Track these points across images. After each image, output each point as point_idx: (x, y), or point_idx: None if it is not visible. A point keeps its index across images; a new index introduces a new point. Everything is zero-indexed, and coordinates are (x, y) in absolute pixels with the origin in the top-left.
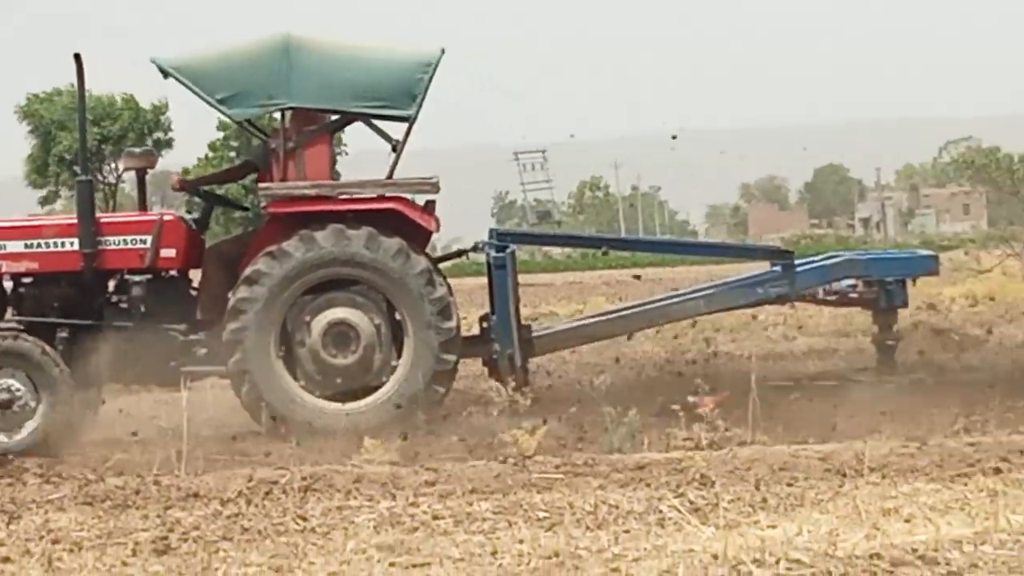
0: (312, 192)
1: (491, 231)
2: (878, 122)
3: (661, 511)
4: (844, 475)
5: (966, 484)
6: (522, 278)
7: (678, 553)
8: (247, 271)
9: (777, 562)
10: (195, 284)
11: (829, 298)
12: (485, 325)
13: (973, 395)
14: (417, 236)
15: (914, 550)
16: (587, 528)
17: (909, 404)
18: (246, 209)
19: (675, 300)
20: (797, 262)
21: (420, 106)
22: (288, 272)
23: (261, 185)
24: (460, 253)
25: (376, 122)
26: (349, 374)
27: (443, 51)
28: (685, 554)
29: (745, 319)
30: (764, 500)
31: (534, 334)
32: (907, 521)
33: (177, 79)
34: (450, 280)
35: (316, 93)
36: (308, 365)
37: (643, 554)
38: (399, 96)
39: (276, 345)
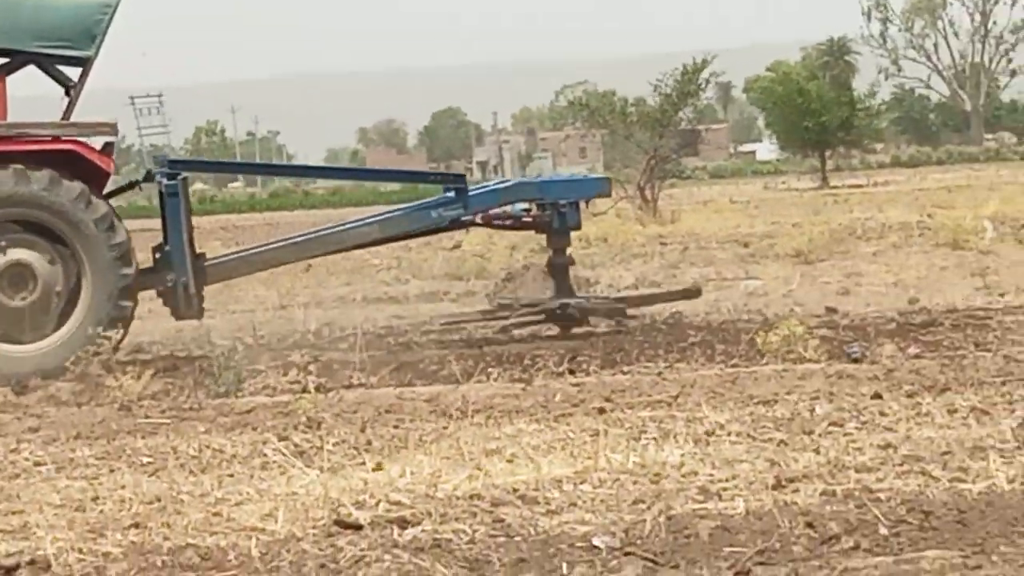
0: None
1: (162, 159)
2: (495, 67)
3: (266, 455)
4: (450, 417)
5: (569, 424)
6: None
7: (280, 496)
8: None
9: (377, 504)
10: None
11: (505, 222)
12: (158, 256)
13: (579, 336)
14: (96, 178)
15: (515, 490)
16: (190, 472)
17: (516, 346)
18: None
19: (349, 226)
20: (471, 187)
21: (99, 47)
22: None
23: None
24: (133, 184)
25: (52, 64)
26: (25, 316)
27: None
28: (287, 497)
29: (360, 262)
30: (369, 442)
31: (208, 262)
32: (509, 461)
33: None
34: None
35: None
36: None
37: (245, 498)
38: (78, 36)
39: None
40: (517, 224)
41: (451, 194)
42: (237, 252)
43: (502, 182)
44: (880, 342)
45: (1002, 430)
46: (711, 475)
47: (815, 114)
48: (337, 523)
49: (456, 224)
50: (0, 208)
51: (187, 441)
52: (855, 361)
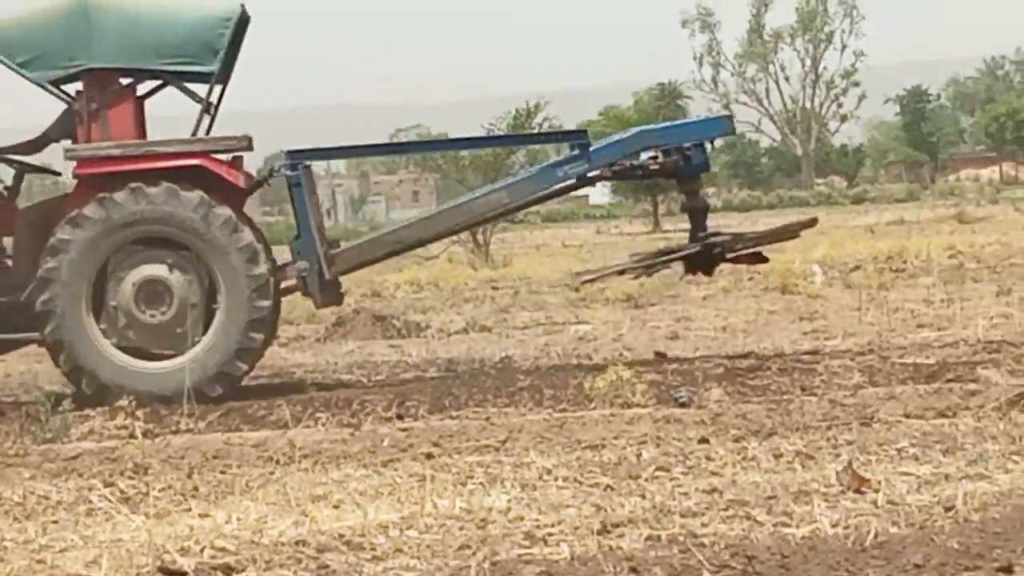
0: (117, 152)
1: (287, 152)
2: (328, 109)
3: (91, 501)
4: (277, 462)
5: (396, 469)
6: None
7: (105, 543)
8: (51, 240)
9: (202, 550)
10: (9, 252)
11: (636, 172)
12: (292, 250)
13: (409, 381)
14: (228, 193)
15: (341, 535)
16: (15, 519)
17: (345, 391)
18: (57, 174)
19: (477, 197)
20: (593, 142)
21: (224, 62)
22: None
23: (67, 148)
24: (259, 183)
25: (182, 84)
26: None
27: (243, 6)
28: (112, 544)
29: None
30: (196, 488)
31: (340, 248)
32: (336, 507)
33: None
34: None
35: (116, 52)
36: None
37: (69, 545)
38: (200, 52)
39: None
40: (647, 172)
41: (575, 151)
42: (368, 236)
43: (621, 134)
44: (708, 386)
45: (826, 474)
46: (537, 520)
47: None
48: (161, 570)
49: (584, 180)
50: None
51: (12, 488)
52: (682, 406)
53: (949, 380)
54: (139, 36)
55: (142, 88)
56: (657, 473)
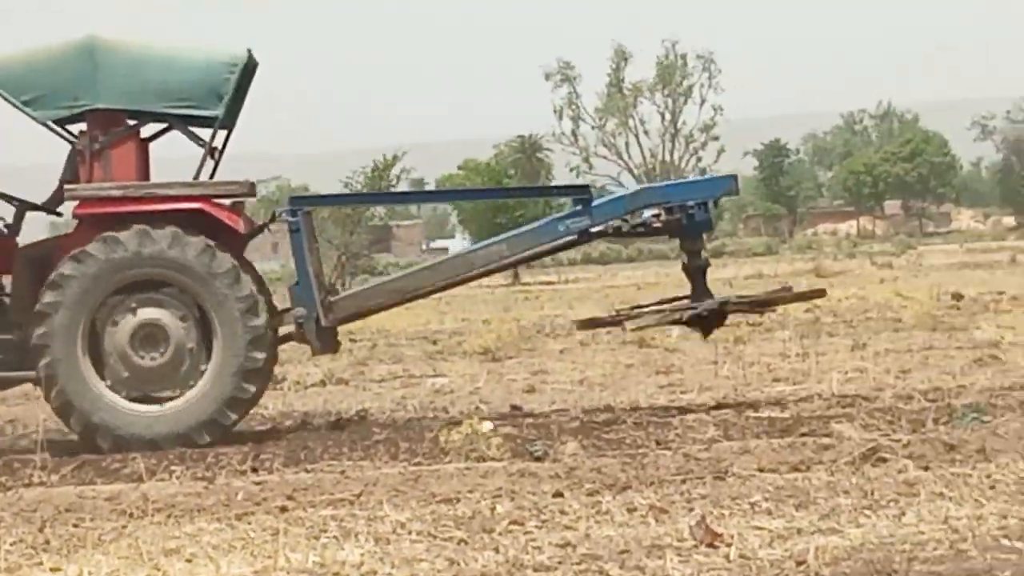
0: (118, 193)
1: (289, 199)
2: (183, 160)
3: None
4: (130, 515)
5: (250, 523)
6: None
7: None
8: (52, 276)
9: None
10: (8, 291)
11: (638, 230)
12: (291, 296)
13: (265, 434)
14: (228, 238)
15: None
16: None
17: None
18: (59, 214)
19: (479, 248)
20: (596, 198)
21: (229, 107)
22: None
23: (67, 187)
24: (261, 227)
25: (184, 128)
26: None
27: (250, 51)
28: None
29: None
30: (48, 542)
31: (340, 296)
32: (188, 561)
33: None
34: None
35: (121, 94)
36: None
37: None
38: (205, 96)
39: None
40: (648, 230)
41: (577, 207)
42: (369, 283)
43: (627, 191)
44: (563, 440)
45: (680, 528)
46: (390, 574)
47: (510, 210)
48: None
49: (585, 236)
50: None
51: None
52: (537, 459)
53: (803, 434)
54: (145, 78)
55: (147, 131)
56: (511, 527)
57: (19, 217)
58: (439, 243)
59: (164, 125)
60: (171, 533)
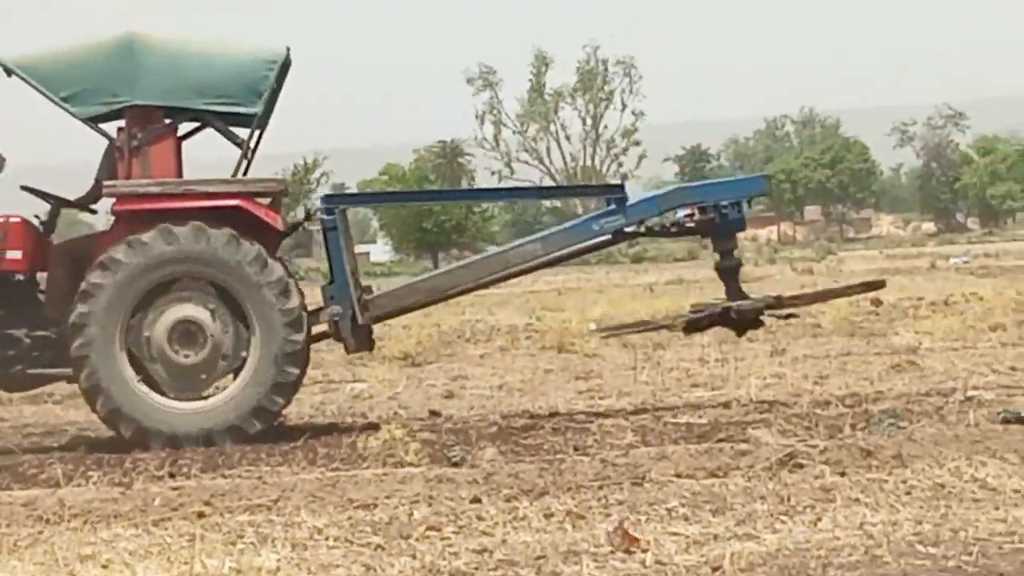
0: (156, 190)
1: (323, 196)
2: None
3: None
4: (46, 521)
5: (167, 529)
6: None
7: None
8: (83, 285)
9: None
10: (43, 287)
11: (671, 229)
12: (325, 295)
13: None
14: (266, 235)
15: None
16: None
17: (117, 449)
18: (94, 211)
19: (513, 247)
20: (631, 197)
21: (267, 104)
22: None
23: (106, 183)
24: (296, 225)
25: (223, 125)
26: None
27: (288, 49)
28: None
29: None
30: None
31: (375, 293)
32: (104, 567)
33: (20, 76)
34: None
35: (160, 90)
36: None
37: None
38: (244, 93)
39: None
40: (682, 230)
41: (611, 206)
42: (405, 281)
43: (660, 190)
44: (481, 446)
45: (596, 534)
46: None
47: (434, 215)
48: None
49: (620, 235)
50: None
51: None
52: (455, 465)
53: (720, 440)
54: (184, 75)
55: (181, 129)
56: (428, 533)
57: (54, 214)
58: (360, 248)
59: (196, 124)
60: (87, 539)
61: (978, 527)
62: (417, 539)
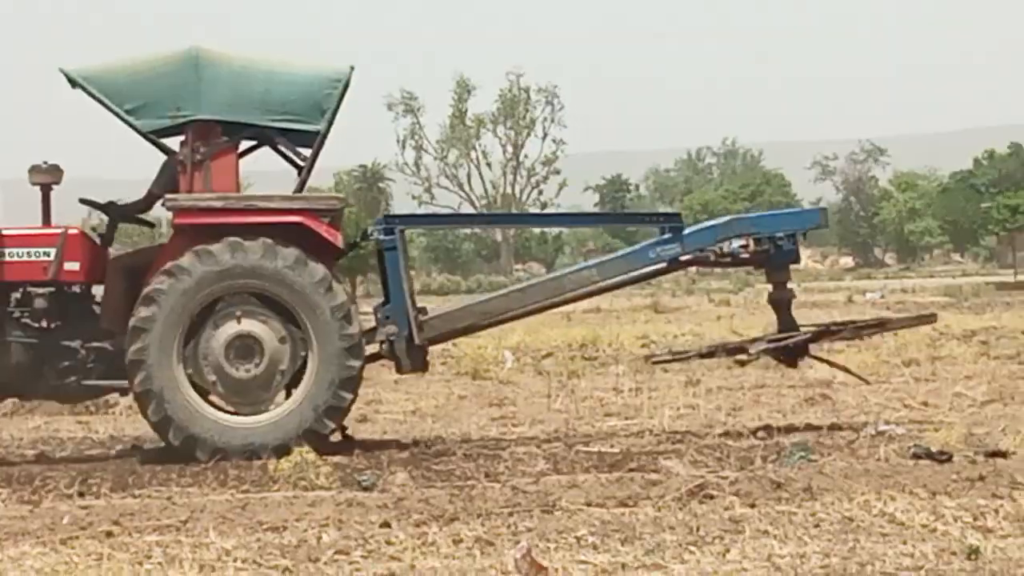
0: (218, 204)
1: (382, 217)
2: (11, 183)
3: None
4: None
5: (74, 548)
6: None
7: None
8: (145, 290)
9: None
10: (99, 299)
11: (723, 260)
12: (379, 311)
13: (94, 458)
14: (325, 251)
15: None
16: None
17: (27, 467)
18: (151, 225)
19: (568, 272)
20: (687, 227)
21: (330, 122)
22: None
23: (168, 196)
24: (353, 245)
25: (285, 142)
26: (254, 386)
27: (352, 68)
28: None
29: None
30: None
31: (431, 315)
32: None
33: (85, 89)
34: None
35: (224, 105)
36: (213, 379)
37: None
38: (309, 111)
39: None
40: (736, 260)
41: (668, 235)
42: (460, 303)
43: (717, 219)
44: (393, 470)
45: (504, 561)
46: None
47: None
48: None
49: (675, 264)
50: (219, 282)
51: None
52: (366, 489)
53: (631, 469)
54: (247, 91)
55: (242, 145)
56: (336, 556)
57: (112, 227)
58: None
59: (255, 142)
60: None
61: (885, 561)
62: (326, 562)
